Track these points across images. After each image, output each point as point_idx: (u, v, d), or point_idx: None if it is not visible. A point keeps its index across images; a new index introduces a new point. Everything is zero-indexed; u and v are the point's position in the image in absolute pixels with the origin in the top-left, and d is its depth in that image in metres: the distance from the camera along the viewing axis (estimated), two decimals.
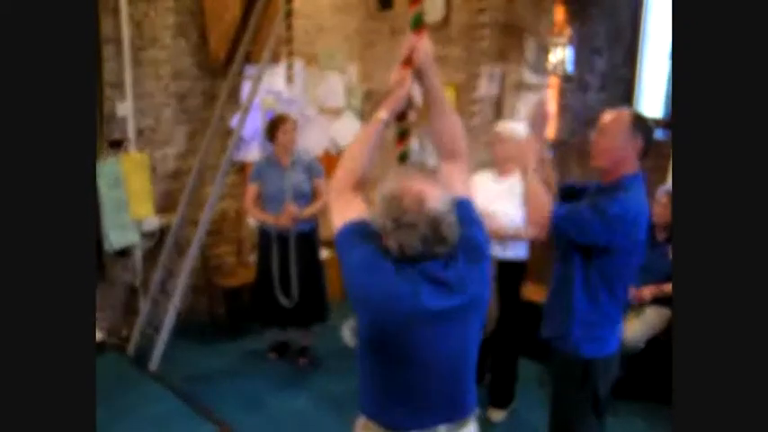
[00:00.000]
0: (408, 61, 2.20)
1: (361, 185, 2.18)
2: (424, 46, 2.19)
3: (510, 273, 4.02)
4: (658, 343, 4.27)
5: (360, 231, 2.03)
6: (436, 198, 1.94)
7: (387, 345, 2.01)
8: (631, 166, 2.75)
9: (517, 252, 4.03)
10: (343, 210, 2.11)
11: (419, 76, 2.21)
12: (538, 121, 3.12)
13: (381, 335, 2.01)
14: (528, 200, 2.84)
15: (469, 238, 2.03)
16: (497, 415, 4.21)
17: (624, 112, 2.80)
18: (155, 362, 4.75)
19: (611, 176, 2.76)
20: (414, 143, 2.41)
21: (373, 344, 2.05)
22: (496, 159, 4.10)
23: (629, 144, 2.72)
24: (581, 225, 2.68)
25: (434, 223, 1.91)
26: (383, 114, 2.21)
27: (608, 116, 2.80)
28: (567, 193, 3.00)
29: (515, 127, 4.03)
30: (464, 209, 2.06)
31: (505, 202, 3.91)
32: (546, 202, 2.77)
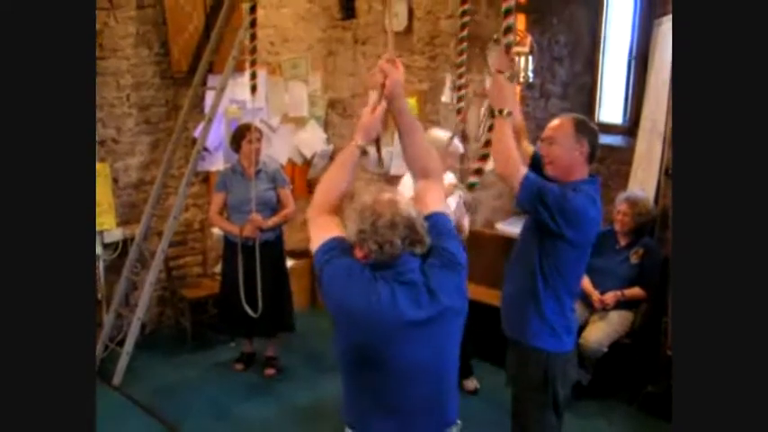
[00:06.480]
0: (381, 87, 2.26)
1: (338, 209, 2.24)
2: (395, 75, 2.26)
3: None
4: (621, 346, 4.35)
5: (336, 246, 2.09)
6: (407, 203, 2.05)
7: (367, 355, 2.04)
8: (582, 170, 2.81)
9: None
10: (321, 231, 2.16)
11: (389, 101, 2.28)
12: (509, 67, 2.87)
13: (362, 345, 2.04)
14: (498, 147, 2.77)
15: (445, 249, 2.10)
16: (470, 384, 4.56)
17: (566, 119, 2.86)
18: (119, 375, 4.68)
19: (564, 182, 2.79)
20: (385, 153, 2.45)
21: (355, 355, 2.08)
22: None
23: (576, 149, 2.78)
24: (545, 198, 2.67)
25: (410, 223, 2.00)
26: (359, 141, 2.28)
27: (552, 124, 2.86)
28: (539, 162, 2.96)
29: (441, 134, 4.22)
30: (440, 223, 2.14)
31: None
32: (515, 156, 2.73)
